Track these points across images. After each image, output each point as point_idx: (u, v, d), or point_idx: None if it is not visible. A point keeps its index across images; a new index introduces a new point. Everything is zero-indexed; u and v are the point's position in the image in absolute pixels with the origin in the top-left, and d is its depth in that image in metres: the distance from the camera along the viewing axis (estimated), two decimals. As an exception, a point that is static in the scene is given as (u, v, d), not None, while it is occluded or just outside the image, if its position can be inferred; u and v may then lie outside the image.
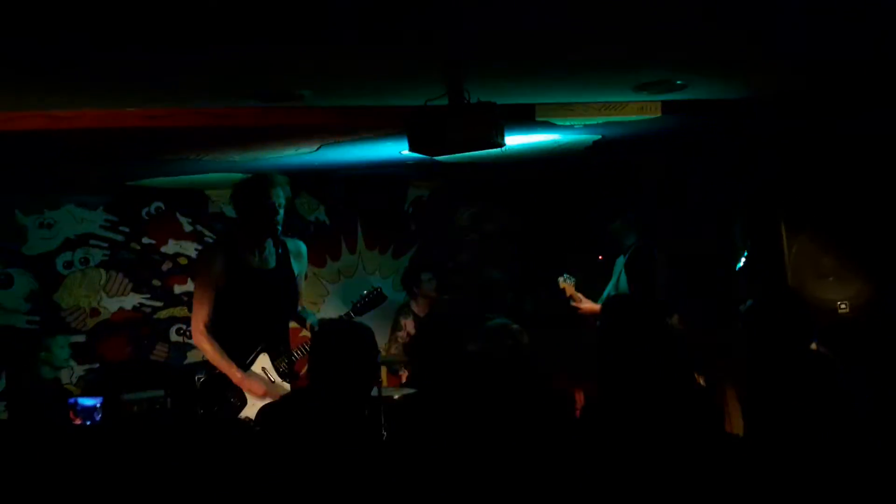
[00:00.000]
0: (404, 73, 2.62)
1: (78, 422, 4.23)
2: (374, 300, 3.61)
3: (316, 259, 5.74)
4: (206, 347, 3.26)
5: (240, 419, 3.26)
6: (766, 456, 2.24)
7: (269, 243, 3.38)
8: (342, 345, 2.11)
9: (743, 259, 3.94)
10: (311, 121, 3.15)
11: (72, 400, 4.33)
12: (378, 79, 2.70)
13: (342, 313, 3.65)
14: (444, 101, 2.59)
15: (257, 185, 3.26)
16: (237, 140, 3.48)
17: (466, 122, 2.41)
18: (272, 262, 3.39)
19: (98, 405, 4.25)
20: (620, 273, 4.16)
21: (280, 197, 3.30)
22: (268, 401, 3.21)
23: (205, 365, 3.41)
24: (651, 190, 5.30)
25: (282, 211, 3.31)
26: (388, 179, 5.68)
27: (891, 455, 2.26)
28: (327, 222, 5.81)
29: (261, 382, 3.27)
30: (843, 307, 3.55)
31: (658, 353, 2.36)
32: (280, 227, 3.34)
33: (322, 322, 2.55)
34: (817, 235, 3.66)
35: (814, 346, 2.84)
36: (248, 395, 3.28)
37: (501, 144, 2.55)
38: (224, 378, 3.26)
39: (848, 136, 3.61)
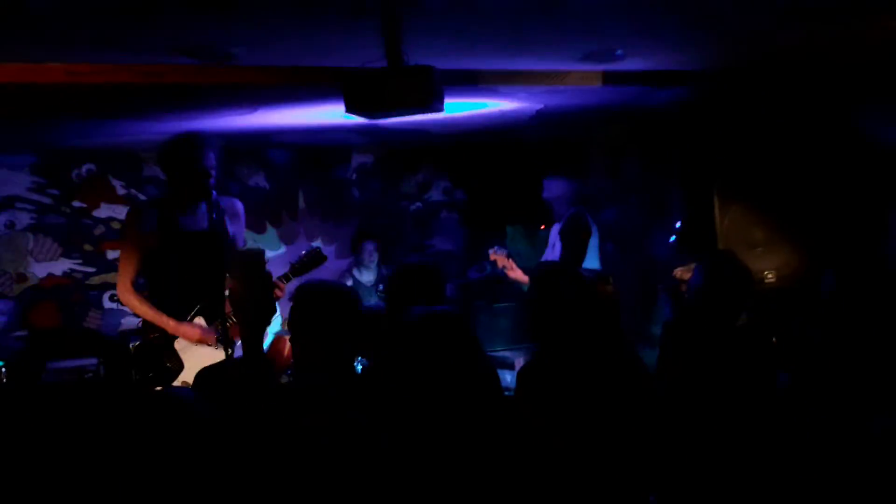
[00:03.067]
0: (341, 33, 2.56)
1: None
2: (313, 260, 3.55)
3: (256, 225, 5.63)
4: (133, 303, 3.20)
5: (174, 386, 3.20)
6: (683, 425, 2.30)
7: (203, 204, 3.29)
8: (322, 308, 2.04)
9: (676, 229, 4.04)
10: (244, 80, 3.05)
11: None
12: (314, 38, 2.63)
13: (282, 274, 3.60)
14: (384, 65, 2.54)
15: (187, 147, 3.14)
16: (168, 99, 3.35)
17: (404, 84, 2.38)
18: (205, 223, 3.31)
19: None
20: (556, 241, 4.22)
21: (212, 158, 3.20)
22: (205, 355, 3.16)
23: (140, 332, 3.33)
24: (592, 162, 5.37)
25: (214, 172, 3.22)
26: (331, 145, 5.60)
27: (809, 431, 2.34)
28: (267, 187, 5.70)
29: (195, 327, 3.21)
30: (769, 277, 3.68)
31: (586, 319, 2.35)
32: (213, 190, 3.25)
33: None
34: (749, 207, 3.76)
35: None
36: (183, 357, 3.22)
37: (440, 109, 2.53)
38: (159, 344, 3.20)
39: (781, 110, 3.71)
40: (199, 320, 3.27)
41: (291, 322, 2.11)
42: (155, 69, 2.84)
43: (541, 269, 2.63)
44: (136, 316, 3.29)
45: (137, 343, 3.29)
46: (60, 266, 5.14)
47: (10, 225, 5.01)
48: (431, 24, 2.54)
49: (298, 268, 3.54)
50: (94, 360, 4.61)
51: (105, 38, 2.43)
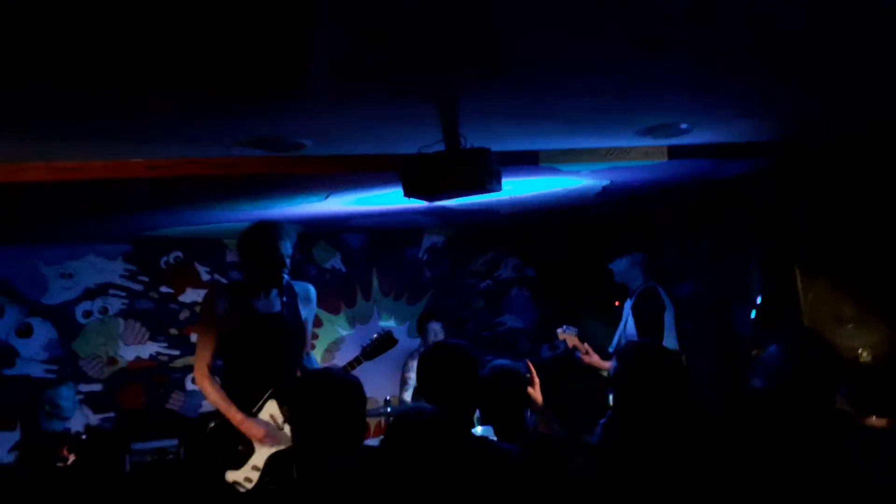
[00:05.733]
0: (400, 121, 2.64)
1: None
2: (384, 343, 3.56)
3: (331, 306, 5.75)
4: (206, 388, 3.23)
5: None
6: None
7: (277, 289, 3.38)
8: (324, 399, 2.06)
9: (757, 305, 3.83)
10: (314, 170, 3.18)
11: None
12: (376, 127, 2.73)
13: (353, 357, 3.62)
14: (441, 148, 2.60)
15: (264, 235, 3.24)
16: (242, 189, 3.52)
17: (460, 166, 2.42)
18: (278, 306, 3.38)
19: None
20: (628, 317, 4.08)
21: (287, 247, 3.29)
22: (271, 445, 3.17)
23: (217, 414, 3.38)
24: (666, 235, 5.23)
25: (289, 261, 3.31)
26: (403, 227, 5.71)
27: None
28: (343, 269, 5.83)
29: (260, 425, 3.21)
30: (864, 355, 3.41)
31: (676, 400, 2.26)
32: (287, 277, 3.33)
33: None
34: (836, 280, 3.55)
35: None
36: (254, 443, 3.24)
37: (497, 189, 2.54)
38: (231, 425, 3.23)
39: (861, 181, 3.53)
40: (272, 404, 3.30)
41: (291, 408, 2.14)
42: (227, 161, 3.00)
43: (629, 349, 2.55)
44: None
45: (212, 426, 3.34)
46: (147, 349, 5.37)
47: (104, 311, 5.30)
48: (487, 108, 2.59)
49: (370, 351, 3.55)
50: (174, 442, 4.74)
51: (183, 135, 2.60)
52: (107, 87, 2.06)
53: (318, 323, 5.69)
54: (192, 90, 2.14)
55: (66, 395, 4.56)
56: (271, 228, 3.26)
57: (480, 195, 2.56)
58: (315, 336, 5.69)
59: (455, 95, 2.40)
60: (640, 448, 2.14)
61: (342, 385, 2.12)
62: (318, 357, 5.65)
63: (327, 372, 2.32)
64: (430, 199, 2.58)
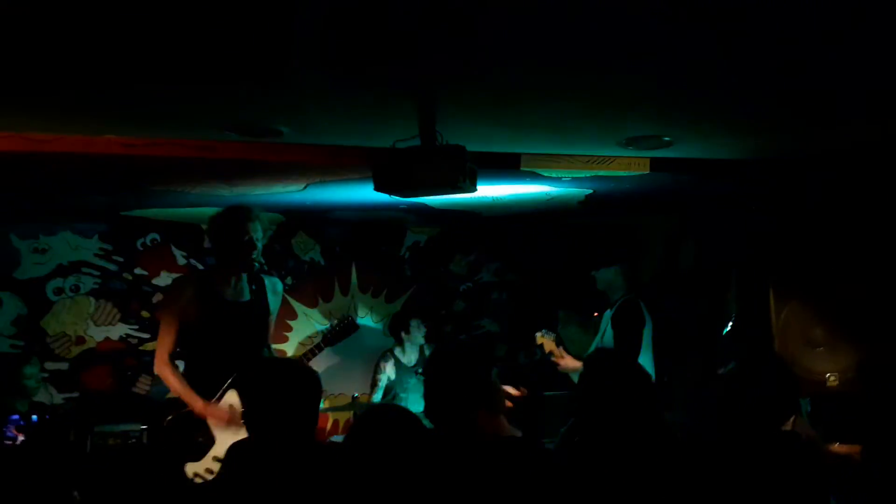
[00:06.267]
0: (378, 114, 2.61)
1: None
2: (346, 329, 3.55)
3: (308, 299, 5.71)
4: (167, 376, 3.21)
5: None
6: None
7: (245, 277, 3.35)
8: (277, 388, 2.03)
9: (730, 324, 3.83)
10: (292, 158, 3.14)
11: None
12: (353, 119, 2.70)
13: (315, 344, 3.58)
14: (417, 144, 2.57)
15: (234, 219, 3.23)
16: (220, 173, 3.48)
17: (433, 163, 2.39)
18: (246, 295, 3.35)
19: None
20: (607, 327, 4.06)
21: (258, 231, 3.27)
22: (235, 431, 3.13)
23: (176, 404, 3.33)
24: (649, 249, 5.23)
25: (259, 245, 3.28)
26: (386, 223, 5.67)
27: None
28: (322, 262, 5.78)
29: (223, 413, 3.18)
30: (832, 380, 3.41)
31: (637, 413, 2.24)
32: (257, 263, 3.30)
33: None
34: (808, 304, 3.55)
35: (792, 422, 2.71)
36: (215, 432, 3.20)
37: (470, 189, 2.52)
38: (193, 418, 3.19)
39: (840, 202, 3.53)
40: (232, 394, 3.26)
41: (244, 394, 2.12)
42: (204, 144, 2.96)
43: (597, 356, 2.53)
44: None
45: (170, 418, 3.29)
46: (118, 331, 5.30)
47: (75, 289, 5.23)
48: (466, 106, 2.56)
49: (331, 337, 3.53)
50: (139, 426, 4.68)
51: (160, 115, 2.56)
52: (81, 67, 2.02)
53: (292, 315, 5.64)
54: (170, 75, 2.10)
55: (30, 373, 4.49)
56: (241, 212, 3.25)
57: (454, 194, 2.53)
58: (289, 328, 5.65)
59: (432, 92, 2.37)
60: (594, 457, 2.12)
61: (296, 373, 2.09)
62: (291, 349, 5.60)
63: (281, 360, 2.29)
64: (402, 195, 2.55)
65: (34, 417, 4.32)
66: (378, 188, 2.46)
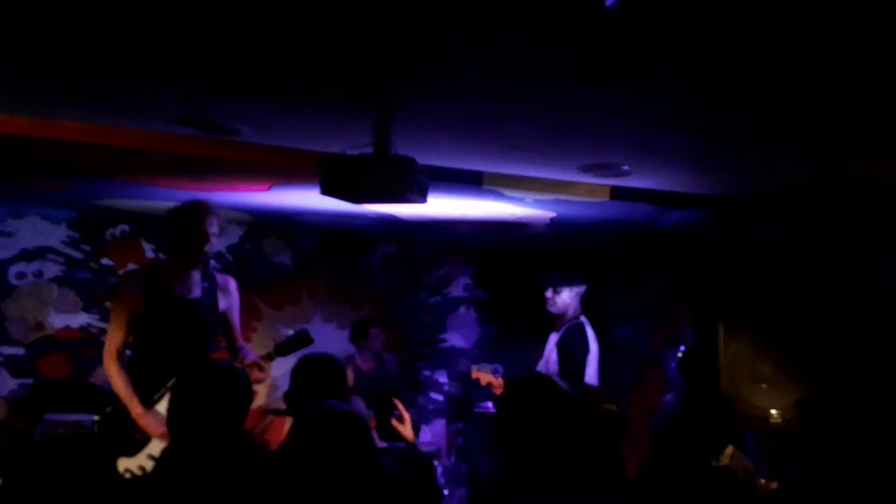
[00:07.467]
0: (333, 120, 2.63)
1: None
2: (300, 342, 3.50)
3: (274, 302, 5.69)
4: (112, 373, 3.14)
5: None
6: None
7: (197, 274, 3.31)
8: (207, 388, 2.00)
9: (679, 355, 3.84)
10: (249, 157, 3.15)
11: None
12: (312, 124, 2.71)
13: (265, 353, 3.55)
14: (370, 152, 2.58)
15: (191, 210, 3.18)
16: (178, 167, 3.47)
17: (381, 172, 2.40)
18: (197, 293, 3.31)
19: None
20: (552, 352, 4.05)
21: (213, 225, 3.23)
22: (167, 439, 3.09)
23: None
24: (614, 277, 5.25)
25: (214, 240, 3.24)
26: (357, 233, 5.68)
27: None
28: (292, 266, 5.78)
29: (159, 422, 3.11)
30: (774, 416, 3.43)
31: (559, 435, 2.19)
32: (210, 258, 3.27)
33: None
34: (757, 339, 3.57)
35: (730, 452, 2.72)
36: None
37: (419, 201, 2.52)
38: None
39: (793, 241, 3.57)
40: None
41: (172, 395, 2.10)
42: (161, 136, 2.96)
43: (518, 379, 2.50)
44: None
45: (109, 410, 3.24)
46: (78, 319, 5.26)
47: (38, 274, 5.20)
48: (422, 121, 2.58)
49: (283, 348, 3.47)
50: (92, 417, 4.62)
51: (109, 102, 2.56)
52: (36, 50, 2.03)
53: (258, 316, 5.62)
54: (127, 66, 2.11)
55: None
56: (199, 204, 3.18)
57: (402, 204, 2.54)
58: (254, 329, 5.62)
59: (386, 103, 2.39)
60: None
61: (217, 377, 2.06)
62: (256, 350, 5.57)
63: (208, 362, 2.26)
64: (349, 201, 2.56)
65: None
66: (325, 192, 2.47)
